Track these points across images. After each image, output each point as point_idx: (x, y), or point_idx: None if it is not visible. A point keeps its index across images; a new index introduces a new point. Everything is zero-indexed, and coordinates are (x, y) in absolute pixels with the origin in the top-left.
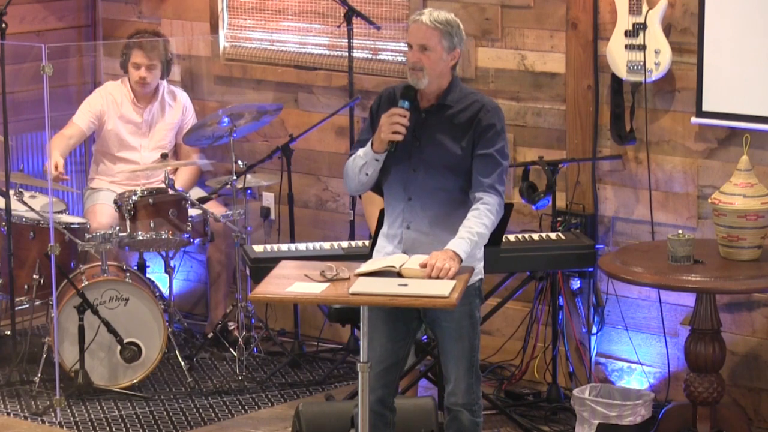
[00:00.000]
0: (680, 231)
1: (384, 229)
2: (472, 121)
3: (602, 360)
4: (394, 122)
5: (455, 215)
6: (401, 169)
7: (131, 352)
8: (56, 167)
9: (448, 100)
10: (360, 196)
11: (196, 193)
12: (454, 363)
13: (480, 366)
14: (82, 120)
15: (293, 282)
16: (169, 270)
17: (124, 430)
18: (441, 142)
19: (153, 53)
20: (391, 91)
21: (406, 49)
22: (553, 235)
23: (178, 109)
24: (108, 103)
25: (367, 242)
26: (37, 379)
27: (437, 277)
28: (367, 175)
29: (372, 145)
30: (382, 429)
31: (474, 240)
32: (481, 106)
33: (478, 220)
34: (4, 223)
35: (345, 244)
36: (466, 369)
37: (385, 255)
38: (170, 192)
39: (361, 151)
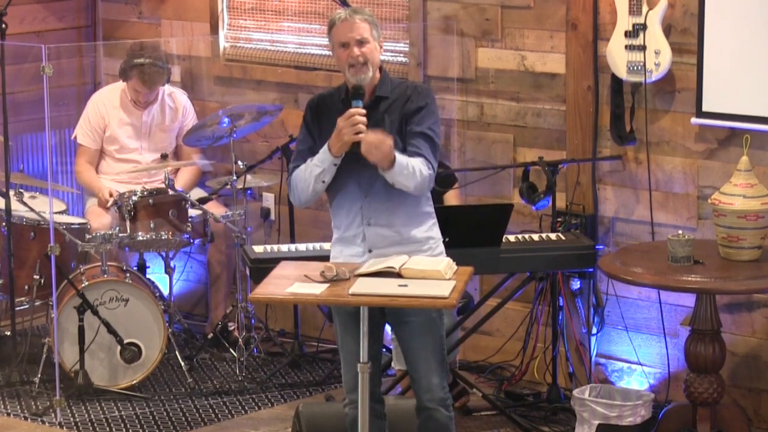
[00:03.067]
0: (680, 231)
1: (338, 234)
2: (405, 104)
3: (602, 360)
4: (356, 122)
5: (410, 202)
6: (353, 169)
7: (131, 353)
8: (111, 194)
9: (382, 92)
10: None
11: (196, 193)
12: (425, 358)
13: (480, 366)
14: (89, 141)
15: (293, 282)
16: (169, 270)
17: (124, 430)
18: (388, 132)
19: (154, 84)
20: (322, 98)
21: (351, 50)
22: (553, 236)
23: (178, 110)
24: (105, 111)
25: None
26: (37, 380)
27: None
28: (323, 182)
29: (330, 150)
30: (377, 422)
31: (407, 162)
32: (413, 88)
33: (411, 159)
34: (4, 224)
35: None
36: (438, 363)
37: (349, 257)
38: (170, 192)
39: (315, 159)
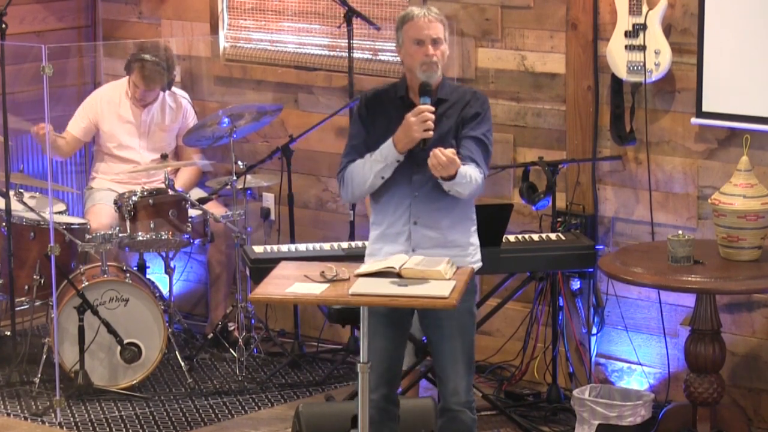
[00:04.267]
0: (680, 231)
1: (380, 230)
2: (463, 108)
3: (602, 360)
4: (426, 119)
5: (458, 207)
6: (407, 166)
7: (131, 353)
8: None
9: (443, 94)
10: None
11: (196, 193)
12: (453, 361)
13: (480, 366)
14: (74, 127)
15: (293, 282)
16: (169, 270)
17: (124, 430)
18: (441, 135)
19: (153, 83)
20: (377, 93)
21: (426, 48)
22: (553, 236)
23: (179, 110)
24: (102, 105)
25: (367, 243)
26: (37, 380)
27: (437, 163)
28: (382, 178)
29: (396, 146)
30: (388, 424)
31: (466, 172)
32: (471, 93)
33: (467, 167)
34: (4, 224)
35: (345, 244)
36: (466, 366)
37: (389, 255)
38: (170, 192)
39: (376, 155)
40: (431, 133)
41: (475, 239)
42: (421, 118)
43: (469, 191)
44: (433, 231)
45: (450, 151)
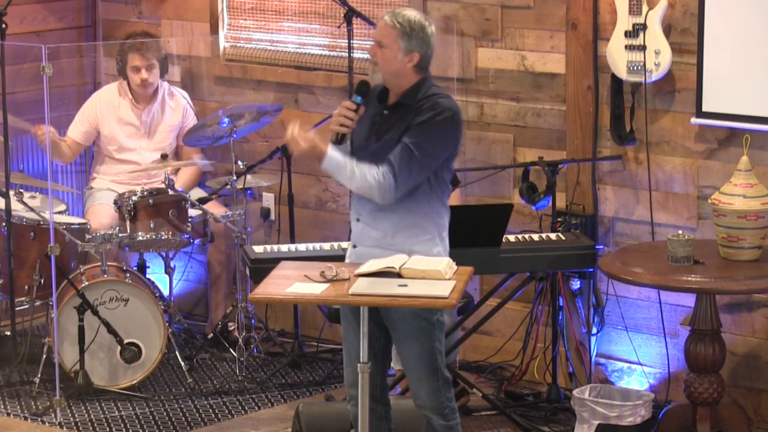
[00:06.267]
0: (680, 231)
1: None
2: (415, 115)
3: (602, 360)
4: (341, 114)
5: (398, 211)
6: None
7: (131, 353)
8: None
9: (405, 100)
10: None
11: (196, 193)
12: (411, 366)
13: (480, 366)
14: (75, 132)
15: (293, 282)
16: (169, 270)
17: (124, 430)
18: (391, 138)
19: (149, 53)
20: (371, 91)
21: (371, 47)
22: (553, 236)
23: (179, 110)
24: (102, 108)
25: None
26: (37, 380)
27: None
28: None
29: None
30: (376, 423)
31: (344, 164)
32: (433, 103)
33: (362, 164)
34: (4, 224)
35: (345, 244)
36: (427, 372)
37: (345, 246)
38: (170, 192)
39: None
40: (345, 129)
41: (433, 251)
42: (338, 113)
43: (355, 186)
44: (374, 231)
45: (302, 133)
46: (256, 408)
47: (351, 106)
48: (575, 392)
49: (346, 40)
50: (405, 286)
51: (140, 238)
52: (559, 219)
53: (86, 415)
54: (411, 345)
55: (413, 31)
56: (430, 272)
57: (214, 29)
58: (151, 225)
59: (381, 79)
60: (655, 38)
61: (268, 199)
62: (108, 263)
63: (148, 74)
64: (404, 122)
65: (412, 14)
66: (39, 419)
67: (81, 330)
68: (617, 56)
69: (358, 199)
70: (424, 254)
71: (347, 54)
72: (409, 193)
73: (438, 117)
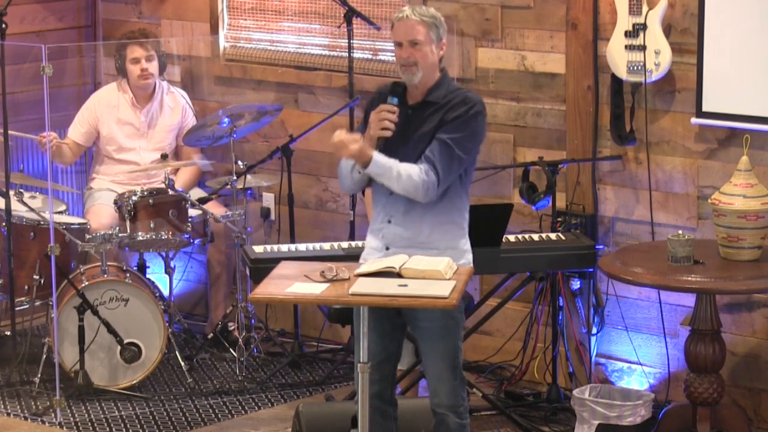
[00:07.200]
0: (680, 231)
1: (372, 224)
2: (447, 111)
3: (602, 360)
4: (383, 118)
5: (434, 209)
6: None
7: (131, 353)
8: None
9: (433, 97)
10: (363, 194)
11: (196, 193)
12: (434, 364)
13: (480, 366)
14: (75, 133)
15: (293, 282)
16: (169, 270)
17: (124, 430)
18: (423, 138)
19: (148, 44)
20: (380, 91)
21: (403, 50)
22: (553, 236)
23: (178, 110)
24: (101, 109)
25: None
26: (37, 380)
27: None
28: (359, 173)
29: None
30: (383, 423)
31: (390, 165)
32: (462, 97)
33: (404, 164)
34: (4, 224)
35: (345, 244)
36: (449, 369)
37: (371, 250)
38: (170, 192)
39: None
40: (388, 132)
41: (461, 244)
42: (379, 117)
43: (400, 187)
44: (407, 231)
45: (350, 137)
46: (256, 408)
47: (392, 108)
48: (575, 392)
49: (346, 40)
50: (405, 286)
51: (140, 238)
52: (559, 219)
53: (86, 415)
54: (437, 343)
55: (436, 19)
56: (430, 272)
57: (214, 29)
58: (151, 225)
59: (411, 80)
60: (655, 38)
61: (268, 199)
62: (108, 263)
63: (149, 64)
64: (435, 119)
65: (425, 7)
66: (39, 419)
67: (81, 330)
68: (617, 56)
69: (388, 201)
70: (459, 250)
71: (347, 54)
72: (443, 191)
73: (471, 111)
